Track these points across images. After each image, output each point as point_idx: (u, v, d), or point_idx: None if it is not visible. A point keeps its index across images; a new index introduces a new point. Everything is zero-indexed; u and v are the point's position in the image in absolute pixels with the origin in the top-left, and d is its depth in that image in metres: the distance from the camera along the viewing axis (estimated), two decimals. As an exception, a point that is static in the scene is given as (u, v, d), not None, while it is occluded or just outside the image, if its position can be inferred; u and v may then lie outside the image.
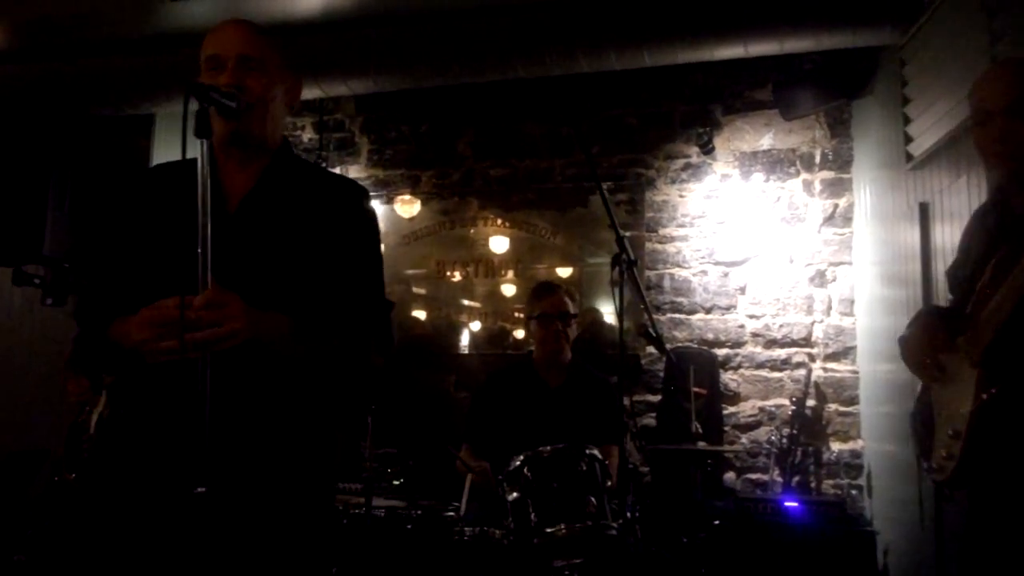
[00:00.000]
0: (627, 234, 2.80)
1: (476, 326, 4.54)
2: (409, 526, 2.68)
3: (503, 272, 4.53)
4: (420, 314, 4.61)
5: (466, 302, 4.57)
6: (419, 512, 2.74)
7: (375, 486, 2.85)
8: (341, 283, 1.58)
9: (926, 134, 3.02)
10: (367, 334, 1.63)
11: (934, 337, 1.71)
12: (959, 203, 2.82)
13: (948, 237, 2.95)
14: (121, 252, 1.61)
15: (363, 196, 1.72)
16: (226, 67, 1.54)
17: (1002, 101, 1.66)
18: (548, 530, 2.41)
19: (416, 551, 2.65)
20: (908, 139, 3.18)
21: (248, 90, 1.53)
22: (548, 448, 2.55)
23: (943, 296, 2.97)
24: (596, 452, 2.62)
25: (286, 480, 1.50)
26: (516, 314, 4.42)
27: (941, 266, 3.01)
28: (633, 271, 2.76)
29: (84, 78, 4.02)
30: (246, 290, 1.44)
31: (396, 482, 3.35)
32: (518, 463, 2.56)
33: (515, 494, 2.52)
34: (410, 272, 4.61)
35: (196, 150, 1.39)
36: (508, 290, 4.53)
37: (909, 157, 3.19)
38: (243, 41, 1.57)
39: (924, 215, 3.12)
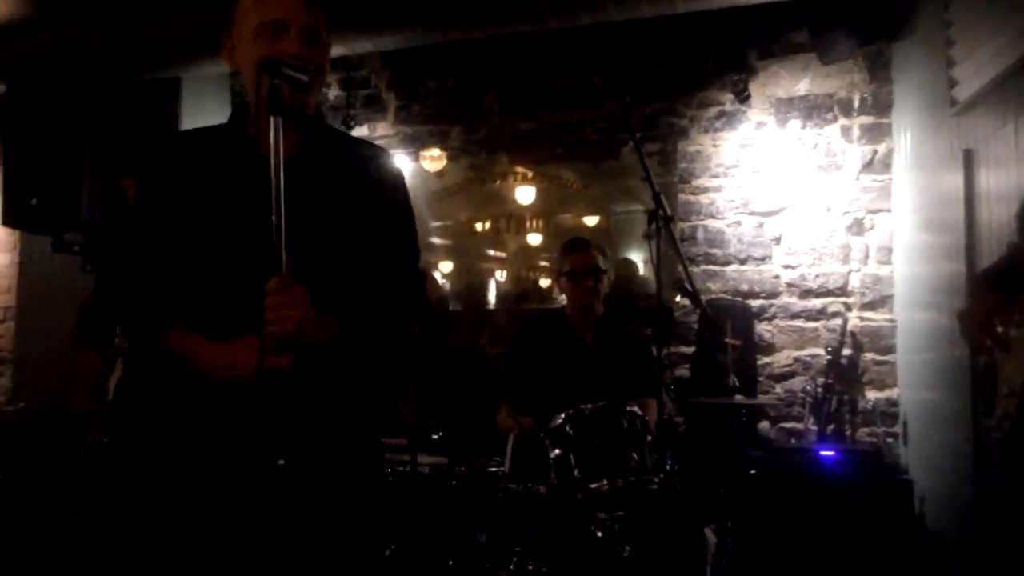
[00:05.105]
0: (658, 183, 2.75)
1: (504, 279, 4.55)
2: (454, 482, 2.74)
3: (532, 224, 4.50)
4: (448, 266, 4.62)
5: (493, 252, 4.56)
6: (463, 468, 2.80)
7: (418, 442, 2.90)
8: (378, 252, 1.58)
9: (972, 78, 2.92)
10: (405, 306, 1.63)
11: (994, 309, 1.68)
12: (1006, 150, 2.75)
13: (994, 184, 2.88)
14: (157, 230, 1.52)
15: (390, 160, 1.72)
16: (290, 34, 1.47)
17: None
18: (591, 485, 2.45)
19: (461, 507, 2.72)
20: (952, 83, 3.08)
21: (311, 61, 1.48)
22: (590, 406, 2.59)
23: (987, 242, 2.93)
24: (636, 409, 2.65)
25: (338, 456, 1.51)
26: (541, 263, 4.43)
27: (986, 212, 2.96)
28: (669, 227, 2.74)
29: (108, 44, 4.02)
30: (292, 259, 1.44)
31: (435, 436, 3.42)
32: (560, 421, 2.59)
33: (557, 450, 2.56)
34: (438, 226, 4.60)
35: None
36: (534, 239, 4.51)
37: (953, 102, 3.09)
38: (307, 8, 1.50)
39: (969, 161, 3.04)
